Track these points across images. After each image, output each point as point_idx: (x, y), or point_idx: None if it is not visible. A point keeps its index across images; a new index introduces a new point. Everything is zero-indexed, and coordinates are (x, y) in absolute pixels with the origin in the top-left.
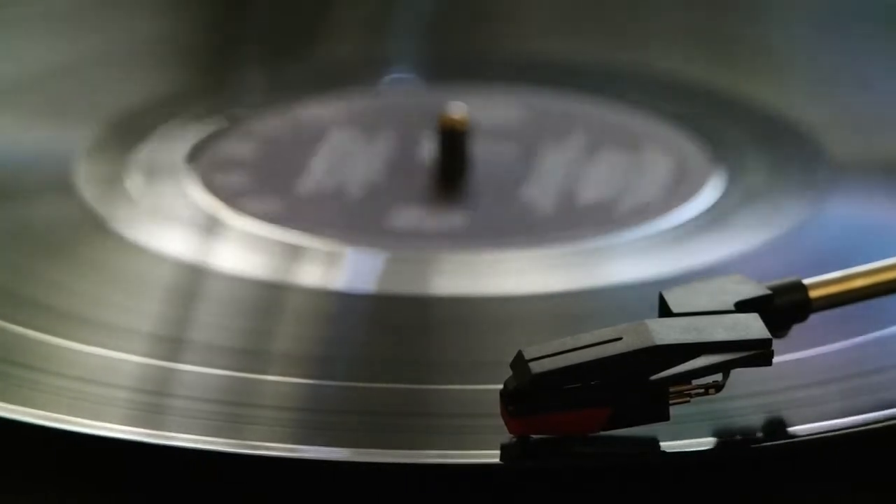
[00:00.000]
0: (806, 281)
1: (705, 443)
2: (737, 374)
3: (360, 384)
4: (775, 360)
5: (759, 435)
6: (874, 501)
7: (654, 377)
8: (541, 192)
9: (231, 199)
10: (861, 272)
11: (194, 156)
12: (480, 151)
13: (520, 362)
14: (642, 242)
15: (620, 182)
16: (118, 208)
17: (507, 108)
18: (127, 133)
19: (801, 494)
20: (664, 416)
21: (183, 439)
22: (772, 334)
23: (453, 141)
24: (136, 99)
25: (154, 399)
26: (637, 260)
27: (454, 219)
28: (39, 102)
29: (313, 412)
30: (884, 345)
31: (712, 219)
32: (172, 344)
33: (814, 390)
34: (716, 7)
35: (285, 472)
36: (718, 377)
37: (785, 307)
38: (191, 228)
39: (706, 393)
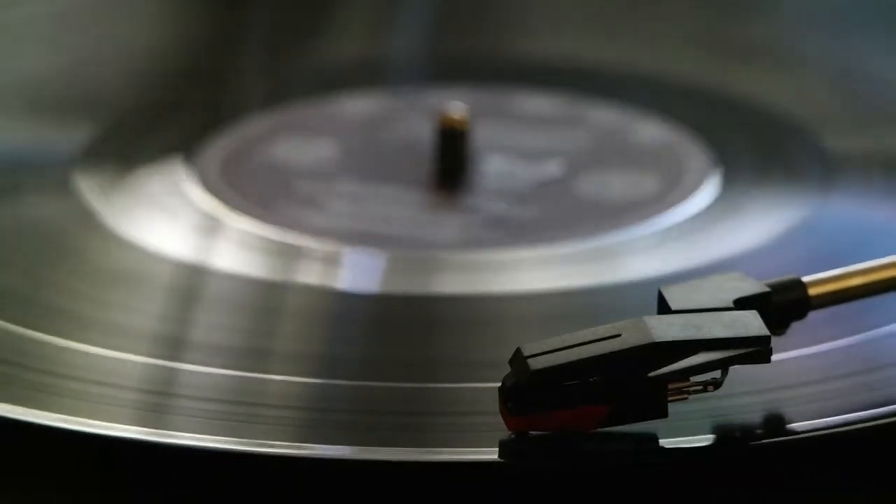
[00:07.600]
0: (805, 279)
1: (704, 440)
2: (735, 371)
3: (362, 383)
4: (774, 357)
5: (758, 432)
6: (873, 499)
7: (652, 374)
8: (540, 192)
9: (231, 198)
10: (860, 270)
11: (194, 155)
12: (480, 151)
13: (518, 359)
14: (642, 241)
15: (620, 181)
16: (118, 208)
17: (506, 107)
18: (126, 133)
19: (801, 492)
20: (662, 414)
21: (186, 438)
22: (770, 332)
23: (453, 141)
24: (136, 99)
25: (157, 398)
26: (636, 259)
27: (454, 218)
28: (39, 102)
29: (316, 411)
30: (882, 342)
31: (712, 217)
32: (175, 344)
33: (813, 388)
34: (716, 7)
35: (288, 470)
36: (717, 374)
37: (784, 305)
38: (191, 228)
39: (704, 390)
